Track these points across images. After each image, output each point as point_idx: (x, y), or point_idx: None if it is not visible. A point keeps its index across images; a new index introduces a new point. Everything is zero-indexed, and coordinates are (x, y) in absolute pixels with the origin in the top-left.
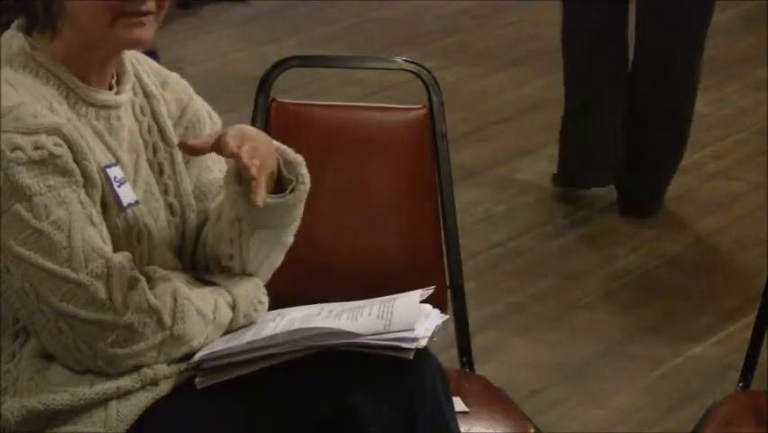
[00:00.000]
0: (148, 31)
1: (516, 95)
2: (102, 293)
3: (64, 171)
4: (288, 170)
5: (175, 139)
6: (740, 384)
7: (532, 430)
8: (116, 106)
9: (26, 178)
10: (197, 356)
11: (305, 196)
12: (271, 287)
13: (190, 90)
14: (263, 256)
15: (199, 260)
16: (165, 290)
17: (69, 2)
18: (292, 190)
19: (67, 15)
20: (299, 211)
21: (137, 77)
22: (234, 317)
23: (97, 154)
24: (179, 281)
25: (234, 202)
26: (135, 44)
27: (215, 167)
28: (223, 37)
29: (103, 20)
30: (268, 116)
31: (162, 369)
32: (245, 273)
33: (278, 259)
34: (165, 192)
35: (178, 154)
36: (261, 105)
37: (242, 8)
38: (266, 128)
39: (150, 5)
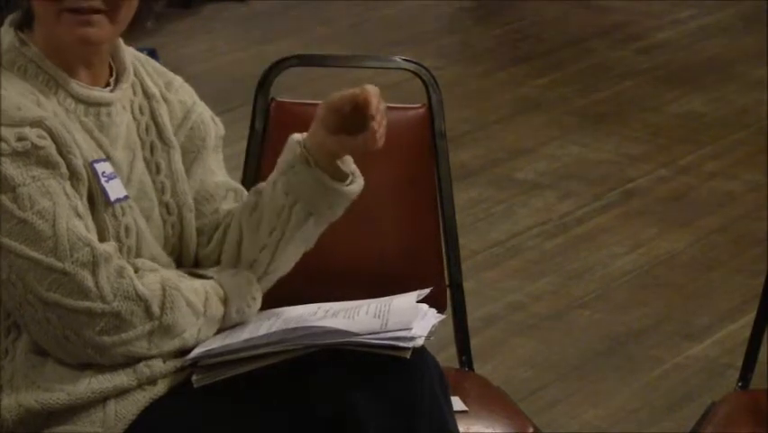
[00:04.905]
0: (97, 30)
1: (515, 94)
2: (88, 281)
3: (47, 163)
4: (344, 163)
5: (173, 139)
6: (739, 383)
7: (531, 430)
8: (107, 104)
9: (10, 169)
10: (193, 354)
11: (358, 192)
12: (271, 287)
13: (194, 95)
14: (288, 262)
15: (207, 259)
16: (153, 279)
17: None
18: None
19: (33, 11)
20: (345, 207)
21: (138, 76)
22: (227, 312)
23: (85, 149)
24: (169, 274)
25: (298, 185)
26: (82, 43)
27: (219, 171)
28: (222, 37)
29: (49, 14)
30: (267, 116)
31: (159, 366)
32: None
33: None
34: (162, 191)
35: (176, 154)
36: (260, 105)
37: (241, 8)
38: (265, 127)
39: (95, 3)
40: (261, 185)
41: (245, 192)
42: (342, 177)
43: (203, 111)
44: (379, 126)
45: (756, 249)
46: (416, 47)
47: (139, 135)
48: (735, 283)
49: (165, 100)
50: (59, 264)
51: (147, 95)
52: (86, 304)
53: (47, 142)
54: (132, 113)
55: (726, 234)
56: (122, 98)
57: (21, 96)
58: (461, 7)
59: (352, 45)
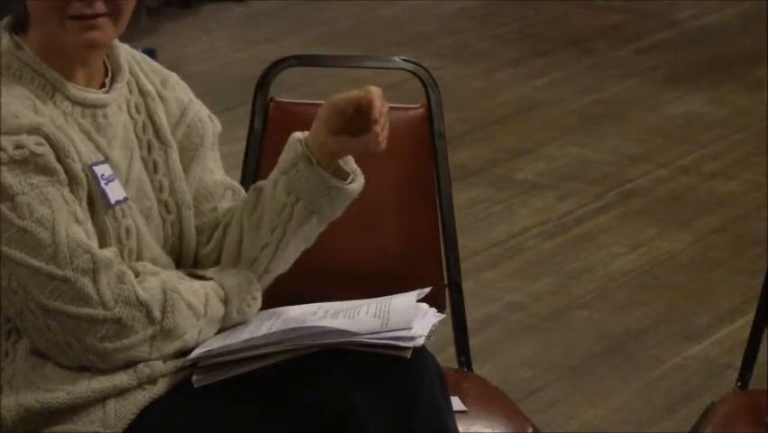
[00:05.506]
0: (102, 35)
1: (514, 94)
2: (89, 288)
3: (46, 170)
4: (345, 162)
5: (170, 138)
6: (738, 384)
7: (530, 430)
8: (103, 105)
9: (8, 177)
10: (194, 354)
11: (359, 191)
12: (271, 287)
13: (190, 93)
14: (288, 261)
15: (207, 258)
16: (154, 283)
17: (28, 2)
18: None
19: (30, 15)
20: (346, 206)
21: (133, 75)
22: (227, 313)
23: (83, 152)
24: (169, 276)
25: (300, 184)
26: (88, 47)
27: (217, 169)
28: (221, 37)
29: (52, 21)
30: (266, 116)
31: (159, 367)
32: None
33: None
34: (160, 190)
35: (173, 152)
36: (260, 105)
37: (240, 8)
38: (264, 127)
39: (99, 7)
40: (261, 183)
41: (243, 191)
42: (343, 175)
43: (199, 109)
44: (383, 129)
45: (756, 249)
46: (416, 47)
47: (136, 134)
48: (734, 283)
49: (161, 98)
50: (60, 272)
51: (143, 93)
52: (88, 311)
53: (45, 149)
54: (129, 112)
55: (726, 234)
56: (117, 98)
57: (17, 102)
58: (461, 7)
59: (352, 45)
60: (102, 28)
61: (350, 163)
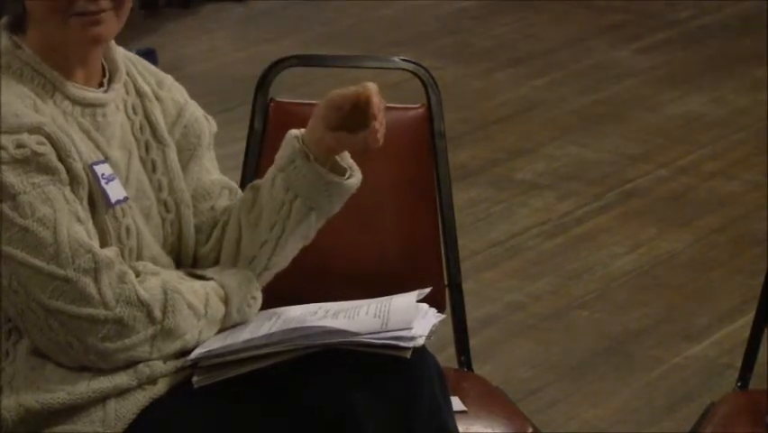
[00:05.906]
0: (106, 28)
1: (514, 94)
2: (90, 288)
3: (47, 169)
4: (341, 157)
5: (168, 137)
6: (738, 384)
7: (530, 430)
8: (102, 104)
9: (10, 176)
10: (194, 354)
11: (357, 186)
12: (271, 287)
13: (185, 93)
14: (287, 258)
15: (206, 257)
16: (155, 283)
17: (28, 2)
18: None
19: (29, 15)
20: (344, 201)
21: (130, 76)
22: (227, 312)
23: (84, 152)
24: (170, 276)
25: (299, 180)
26: (93, 43)
27: (214, 169)
28: (221, 37)
29: (55, 19)
30: (266, 116)
31: (159, 367)
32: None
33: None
34: (159, 189)
35: (171, 152)
36: (260, 105)
37: (240, 8)
38: (264, 128)
39: (103, 4)
40: (258, 181)
41: (239, 190)
42: (340, 171)
43: (195, 109)
44: (381, 125)
45: (756, 249)
46: (416, 47)
47: (133, 134)
48: (734, 283)
49: (158, 98)
50: (61, 272)
51: (140, 94)
52: (89, 311)
53: (46, 149)
54: (126, 112)
55: (726, 234)
56: (115, 98)
57: (18, 101)
58: (461, 7)
59: (352, 45)
60: (105, 22)
61: (346, 159)
